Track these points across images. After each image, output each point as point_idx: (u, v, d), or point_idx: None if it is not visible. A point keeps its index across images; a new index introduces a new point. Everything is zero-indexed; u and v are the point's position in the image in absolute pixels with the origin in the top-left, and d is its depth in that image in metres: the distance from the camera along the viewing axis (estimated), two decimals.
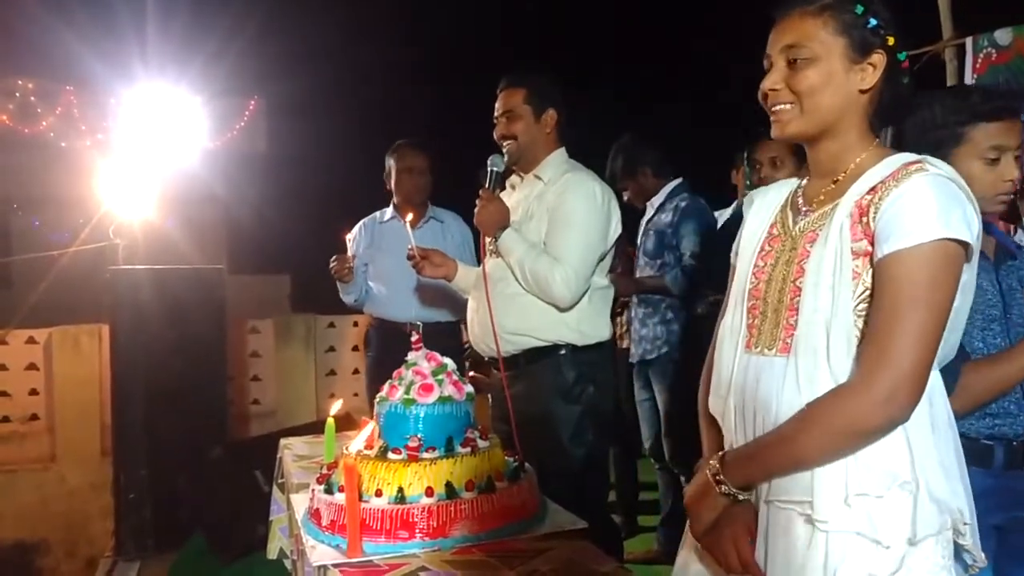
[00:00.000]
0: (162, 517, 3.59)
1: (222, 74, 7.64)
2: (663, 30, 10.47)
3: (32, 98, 7.85)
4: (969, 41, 3.58)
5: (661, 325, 3.26)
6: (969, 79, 3.57)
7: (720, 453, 1.27)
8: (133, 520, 3.60)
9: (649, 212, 3.41)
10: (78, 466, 4.92)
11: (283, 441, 2.47)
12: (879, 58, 1.22)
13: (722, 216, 3.82)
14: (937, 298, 1.12)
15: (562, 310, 2.31)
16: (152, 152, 4.59)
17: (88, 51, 7.04)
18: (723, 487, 1.23)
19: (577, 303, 2.31)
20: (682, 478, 3.32)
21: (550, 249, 2.29)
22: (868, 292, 1.16)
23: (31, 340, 5.10)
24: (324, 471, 1.73)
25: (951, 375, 1.39)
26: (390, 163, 3.48)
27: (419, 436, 1.59)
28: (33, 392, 5.09)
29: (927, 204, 1.12)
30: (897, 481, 1.12)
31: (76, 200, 5.75)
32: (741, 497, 1.23)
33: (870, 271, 1.16)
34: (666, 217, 3.32)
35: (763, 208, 1.37)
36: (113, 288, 3.65)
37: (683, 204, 3.31)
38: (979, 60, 3.55)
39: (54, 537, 4.87)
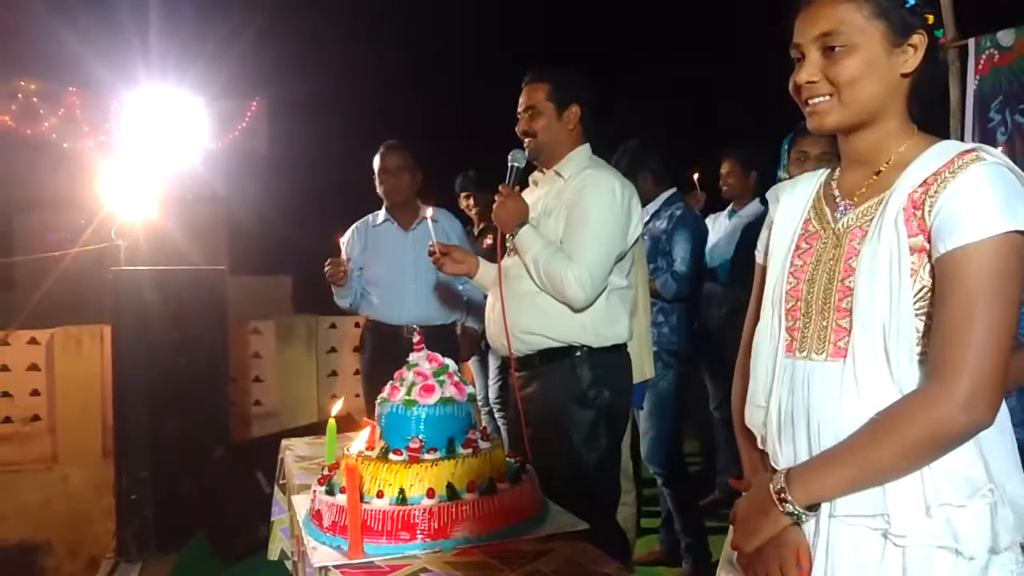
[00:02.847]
0: (164, 518, 3.60)
1: (224, 76, 7.64)
2: (660, 34, 10.49)
3: (34, 99, 7.84)
4: (972, 42, 3.58)
5: (652, 327, 3.30)
6: (971, 81, 3.57)
7: (784, 469, 1.17)
8: (135, 521, 3.61)
9: (644, 219, 3.45)
10: (80, 467, 4.92)
11: (284, 442, 2.47)
12: (920, 39, 1.14)
13: (712, 221, 3.85)
14: (1008, 293, 1.06)
15: (576, 310, 2.25)
16: (154, 153, 4.60)
17: (91, 53, 7.04)
18: (788, 506, 1.14)
19: (592, 304, 2.25)
20: (658, 480, 3.34)
21: (565, 247, 2.24)
22: (925, 290, 1.10)
23: (33, 341, 5.11)
24: (325, 472, 1.73)
25: None
26: (379, 164, 3.50)
27: (420, 437, 1.59)
28: (35, 393, 5.09)
29: (989, 196, 1.06)
30: (978, 489, 1.07)
31: (78, 201, 5.75)
32: (806, 518, 1.15)
33: (927, 267, 1.10)
34: (661, 224, 3.39)
35: (792, 203, 1.29)
36: (115, 289, 3.66)
37: (678, 212, 3.40)
38: (982, 61, 3.55)
39: (56, 537, 4.87)
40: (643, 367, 2.83)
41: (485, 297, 2.56)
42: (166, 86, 4.90)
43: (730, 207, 3.97)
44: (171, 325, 3.71)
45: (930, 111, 1.22)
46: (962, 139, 3.57)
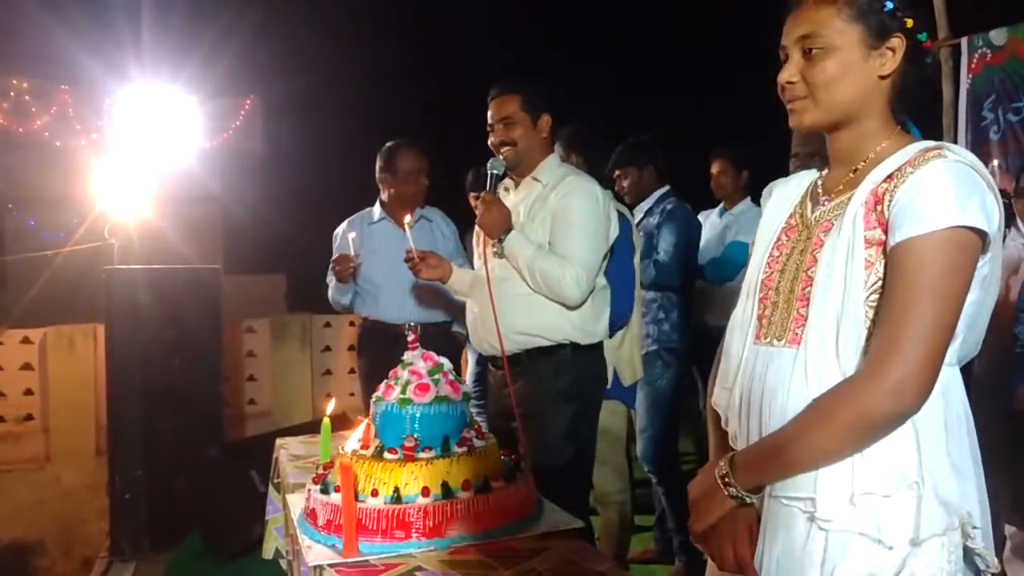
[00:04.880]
0: (158, 517, 3.58)
1: (217, 74, 7.63)
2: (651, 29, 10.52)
3: (27, 97, 7.82)
4: (964, 41, 3.59)
5: (653, 324, 3.31)
6: (964, 80, 3.58)
7: (730, 455, 1.23)
8: (129, 520, 3.59)
9: (638, 216, 3.46)
10: (73, 466, 4.91)
11: (279, 441, 2.46)
12: (898, 42, 1.17)
13: (703, 219, 3.86)
14: (950, 288, 1.08)
15: (571, 308, 2.33)
16: (147, 152, 4.59)
17: (83, 50, 7.03)
18: (731, 489, 1.20)
19: (585, 301, 2.34)
20: (653, 478, 3.35)
21: (557, 249, 2.32)
22: (881, 283, 1.12)
23: (26, 340, 5.09)
24: (320, 471, 1.73)
25: None
26: (395, 164, 3.40)
27: (415, 436, 1.59)
28: (28, 392, 5.08)
29: (942, 190, 1.08)
30: (905, 481, 1.09)
31: (71, 200, 5.75)
32: (749, 500, 1.20)
33: (883, 261, 1.12)
34: (654, 220, 3.45)
35: (781, 199, 1.34)
36: (108, 288, 3.64)
37: (669, 207, 3.44)
38: (974, 60, 3.57)
39: (50, 537, 4.86)
40: (635, 367, 2.90)
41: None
42: (159, 84, 4.89)
43: (721, 205, 3.97)
44: (165, 324, 3.69)
45: (917, 112, 1.23)
46: (955, 137, 3.59)
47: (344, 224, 3.50)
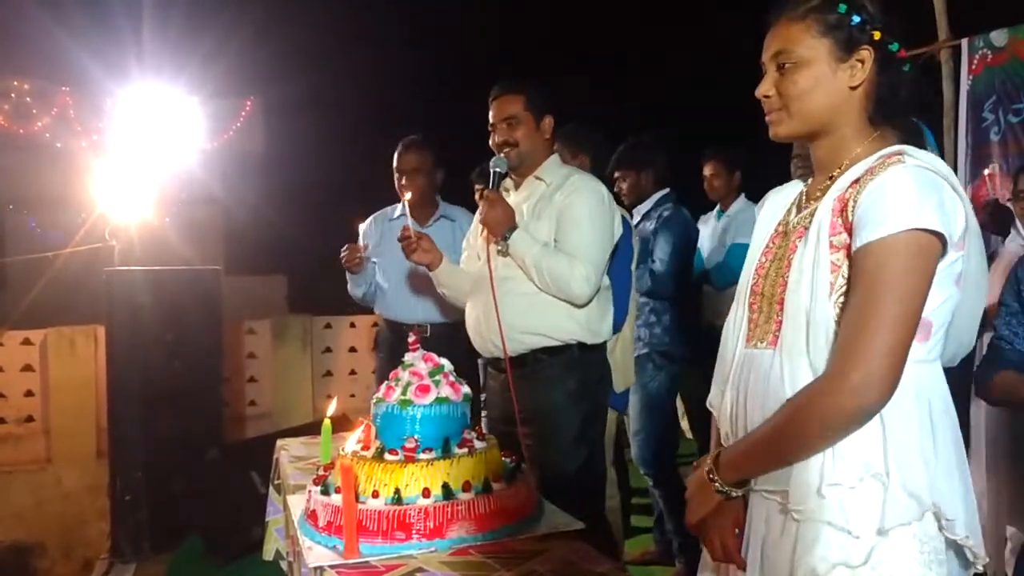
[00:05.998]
0: (158, 519, 3.59)
1: (218, 74, 7.63)
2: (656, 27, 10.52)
3: (28, 98, 7.83)
4: (965, 43, 3.59)
5: (644, 328, 3.31)
6: (965, 81, 3.58)
7: (715, 452, 1.31)
8: (129, 522, 3.60)
9: (635, 219, 3.45)
10: (74, 468, 4.92)
11: (279, 442, 2.47)
12: (866, 54, 1.23)
13: (702, 224, 3.86)
14: (908, 288, 1.12)
15: (579, 306, 2.31)
16: (148, 153, 4.59)
17: (84, 52, 7.04)
18: (716, 484, 1.27)
19: (592, 299, 2.33)
20: (648, 479, 3.35)
21: (564, 247, 2.30)
22: (847, 286, 1.17)
23: (27, 341, 5.09)
24: (321, 472, 1.73)
25: None
26: (395, 161, 3.41)
27: (416, 437, 1.59)
28: (29, 393, 5.08)
29: (899, 194, 1.13)
30: (870, 471, 1.13)
31: (72, 201, 5.75)
32: (734, 494, 1.27)
33: (847, 264, 1.18)
34: (650, 225, 3.42)
35: (773, 207, 1.39)
36: (109, 289, 3.65)
37: (666, 213, 3.41)
38: (975, 61, 3.57)
39: (50, 539, 4.87)
40: (628, 373, 2.89)
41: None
42: (160, 85, 4.89)
43: (717, 208, 3.96)
44: (165, 326, 3.70)
45: (890, 118, 1.28)
46: (955, 138, 3.59)
47: (370, 218, 3.52)
